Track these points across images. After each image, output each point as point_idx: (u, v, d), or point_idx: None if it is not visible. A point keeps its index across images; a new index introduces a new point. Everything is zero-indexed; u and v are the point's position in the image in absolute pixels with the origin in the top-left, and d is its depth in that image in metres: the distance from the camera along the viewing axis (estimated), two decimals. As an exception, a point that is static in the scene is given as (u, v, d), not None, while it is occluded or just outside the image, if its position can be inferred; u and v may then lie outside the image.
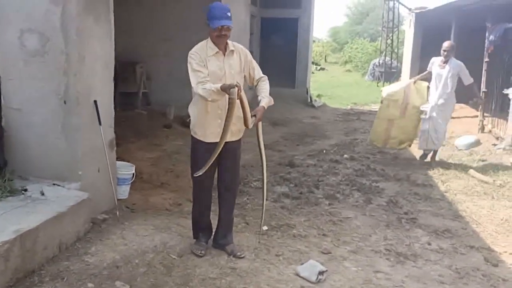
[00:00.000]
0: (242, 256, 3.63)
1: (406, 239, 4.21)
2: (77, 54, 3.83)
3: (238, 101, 3.19)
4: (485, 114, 9.05)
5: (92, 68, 4.04)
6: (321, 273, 3.37)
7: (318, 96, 16.04)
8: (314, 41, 23.30)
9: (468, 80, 6.54)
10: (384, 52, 22.99)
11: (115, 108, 4.53)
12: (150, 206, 4.85)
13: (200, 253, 3.61)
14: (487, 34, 9.19)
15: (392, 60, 22.81)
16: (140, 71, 8.55)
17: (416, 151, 7.34)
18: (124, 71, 7.83)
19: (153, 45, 8.72)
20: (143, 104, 8.65)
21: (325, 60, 36.86)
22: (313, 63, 23.85)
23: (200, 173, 3.26)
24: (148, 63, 8.76)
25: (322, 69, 30.41)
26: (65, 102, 3.85)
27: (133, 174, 4.90)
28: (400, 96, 6.70)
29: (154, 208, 4.80)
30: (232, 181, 3.72)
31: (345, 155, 7.47)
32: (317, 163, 6.99)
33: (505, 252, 4.03)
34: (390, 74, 21.62)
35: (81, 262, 3.35)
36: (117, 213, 4.25)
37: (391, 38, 23.03)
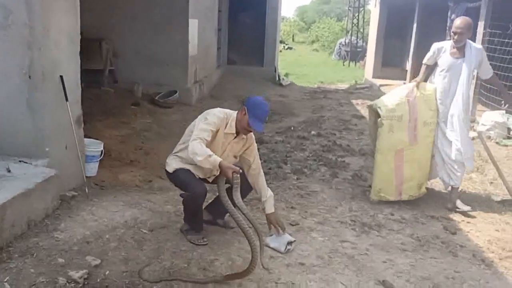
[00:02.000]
0: (233, 227, 3.69)
1: (370, 210, 4.39)
2: (42, 27, 3.73)
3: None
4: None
5: (58, 43, 3.96)
6: (289, 243, 3.49)
7: (286, 74, 16.14)
8: (282, 20, 23.24)
9: (488, 72, 4.61)
10: (350, 32, 23.22)
11: (80, 85, 4.45)
12: (119, 183, 4.84)
13: (203, 241, 3.47)
14: (449, 13, 9.43)
15: (358, 39, 23.09)
16: (106, 47, 8.35)
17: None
18: (90, 47, 7.62)
19: (120, 21, 8.52)
20: (110, 81, 8.47)
21: (293, 39, 36.88)
22: (281, 42, 23.84)
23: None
24: (115, 40, 8.56)
25: (290, 48, 30.43)
26: (29, 77, 3.76)
27: (102, 151, 4.87)
28: (404, 110, 4.46)
29: (123, 185, 4.80)
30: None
31: (312, 132, 7.62)
32: (285, 139, 7.11)
33: (463, 221, 4.26)
34: (355, 53, 21.92)
35: (51, 238, 3.34)
36: (86, 190, 4.23)
37: (357, 17, 23.27)
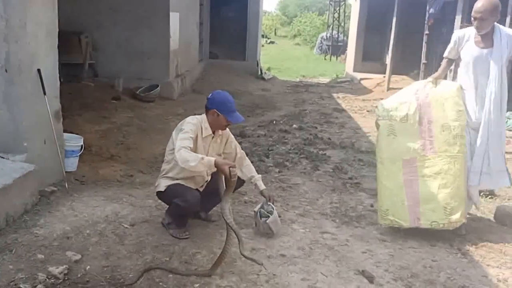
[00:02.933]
0: (214, 220, 3.74)
1: (351, 202, 4.45)
2: (18, 20, 3.68)
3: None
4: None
5: (35, 36, 3.90)
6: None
7: (268, 69, 16.17)
8: (264, 14, 23.21)
9: None
10: (331, 26, 23.33)
11: (59, 79, 4.40)
12: (100, 178, 4.81)
13: (186, 235, 3.48)
14: (427, 7, 9.55)
15: (339, 34, 23.22)
16: (86, 41, 8.24)
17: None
18: (69, 41, 7.53)
19: (100, 14, 8.42)
20: (90, 75, 8.38)
21: (275, 33, 36.88)
22: (263, 36, 23.82)
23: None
24: (95, 33, 8.47)
25: (272, 42, 30.45)
26: (6, 71, 3.71)
27: (82, 146, 4.83)
28: (409, 110, 3.68)
29: (104, 180, 4.77)
30: None
31: (294, 125, 7.67)
32: (267, 133, 7.14)
33: (440, 211, 4.33)
34: (336, 47, 22.05)
35: (30, 234, 3.31)
36: (66, 185, 4.19)
37: (338, 12, 23.36)
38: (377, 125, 3.82)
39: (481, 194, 4.69)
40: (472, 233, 3.85)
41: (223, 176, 3.10)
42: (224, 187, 3.11)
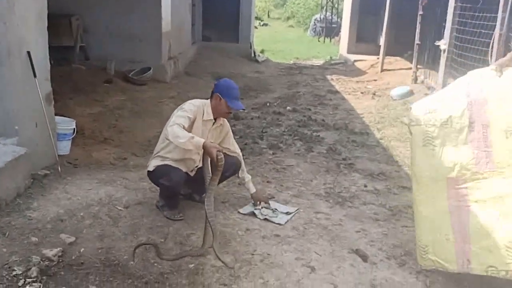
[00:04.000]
0: None
1: (345, 183, 4.47)
2: (6, 1, 3.60)
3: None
4: (418, 66, 9.47)
5: (24, 17, 3.82)
6: (287, 213, 3.66)
7: (262, 51, 16.05)
8: (256, -5, 22.96)
9: None
10: (325, 8, 23.12)
11: (50, 62, 4.34)
12: (93, 161, 4.79)
13: (180, 216, 3.48)
14: (421, -12, 9.46)
15: (333, 15, 23.02)
16: (76, 23, 8.10)
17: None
18: (59, 23, 7.40)
19: (90, -4, 8.27)
20: (81, 58, 8.27)
21: (268, 15, 36.49)
22: (256, 18, 23.60)
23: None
24: (85, 16, 8.32)
25: (265, 24, 30.14)
26: (-6, 53, 3.65)
27: (74, 129, 4.79)
28: (455, 110, 2.76)
29: (97, 163, 4.75)
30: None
31: (288, 107, 7.66)
32: (261, 115, 7.12)
33: (433, 190, 4.36)
34: (330, 29, 21.87)
35: (23, 218, 3.30)
36: (59, 168, 4.17)
37: (332, -7, 23.12)
38: (409, 132, 2.93)
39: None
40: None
41: (209, 160, 3.10)
42: (210, 172, 3.10)
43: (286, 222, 3.54)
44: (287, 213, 3.67)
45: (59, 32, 7.39)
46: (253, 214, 3.63)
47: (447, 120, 2.76)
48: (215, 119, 3.49)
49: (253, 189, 3.77)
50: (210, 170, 3.12)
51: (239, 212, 3.67)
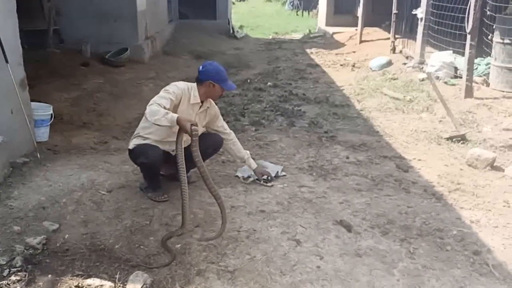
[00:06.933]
0: (194, 181, 3.74)
1: (327, 155, 4.49)
2: (-31, -16, 3.47)
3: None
4: (396, 36, 9.48)
5: (-11, 0, 3.69)
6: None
7: (240, 27, 15.86)
8: (232, -30, 22.53)
9: None
10: (302, -20, 22.82)
11: (23, 47, 4.21)
12: (73, 146, 4.72)
13: (165, 197, 3.48)
14: (398, -44, 9.39)
15: (311, -13, 22.75)
16: (48, 5, 7.85)
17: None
18: (30, 6, 7.16)
19: (60, -24, 8.00)
20: (55, 42, 8.03)
21: (245, -10, 35.93)
22: (233, -7, 23.20)
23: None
24: (57, -3, 8.06)
25: (243, 0, 29.71)
26: (-39, 39, 3.53)
27: (52, 115, 4.69)
28: None
29: (78, 148, 4.68)
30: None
31: (269, 83, 7.63)
32: (242, 92, 7.08)
33: (414, 159, 4.43)
34: (308, 2, 21.65)
35: (4, 207, 3.25)
36: (38, 155, 4.10)
37: (309, -36, 22.79)
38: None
39: (453, 139, 4.81)
40: (445, 178, 3.96)
41: (183, 134, 3.08)
42: (182, 145, 3.09)
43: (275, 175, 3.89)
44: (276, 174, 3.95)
45: (31, 15, 7.16)
46: (248, 177, 3.87)
47: None
48: (202, 101, 3.48)
49: (254, 165, 3.85)
50: (182, 147, 3.10)
51: (236, 176, 3.93)
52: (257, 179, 3.83)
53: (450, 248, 2.94)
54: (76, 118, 5.50)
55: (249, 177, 3.89)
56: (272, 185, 3.77)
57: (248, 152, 3.89)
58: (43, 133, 4.57)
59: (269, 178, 3.84)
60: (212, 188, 3.08)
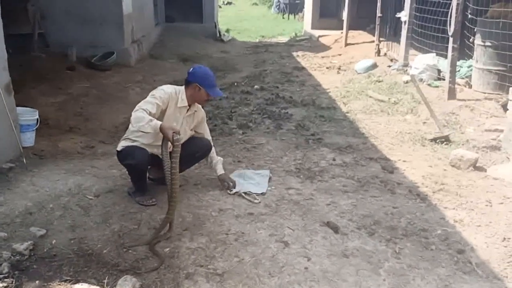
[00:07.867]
0: (181, 184, 3.67)
1: (314, 158, 4.53)
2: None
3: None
4: (380, 39, 9.59)
5: (-27, 5, 3.66)
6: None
7: (227, 30, 15.87)
8: (218, -27, 22.55)
9: None
10: (288, -17, 22.93)
11: (7, 51, 4.18)
12: (60, 151, 4.69)
13: (153, 201, 3.49)
14: (382, -40, 9.50)
15: (296, -9, 22.87)
16: (33, 9, 7.79)
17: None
18: (14, 10, 7.10)
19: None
20: (41, 46, 7.98)
21: (232, -7, 35.97)
22: (219, -4, 23.23)
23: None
24: (42, 1, 8.00)
25: (229, 3, 29.73)
26: None
27: (37, 119, 4.67)
28: None
29: (64, 153, 4.66)
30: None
31: (256, 86, 7.66)
32: (229, 95, 7.10)
33: (399, 160, 4.49)
34: (294, 6, 21.77)
35: (-10, 213, 3.23)
36: (24, 160, 4.08)
37: (294, -32, 22.92)
38: None
39: (437, 140, 4.89)
40: (429, 179, 4.02)
41: (168, 142, 3.10)
42: (167, 153, 3.10)
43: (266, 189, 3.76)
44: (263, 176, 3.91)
45: (15, 19, 7.10)
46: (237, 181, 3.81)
47: None
48: (189, 105, 3.49)
49: (221, 171, 3.79)
50: (168, 152, 3.11)
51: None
52: (244, 193, 3.69)
53: (434, 247, 3.00)
54: (63, 123, 5.47)
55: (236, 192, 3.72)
56: (259, 202, 3.56)
57: (221, 159, 3.85)
58: (29, 138, 4.54)
59: (233, 185, 3.74)
60: (173, 199, 3.05)
